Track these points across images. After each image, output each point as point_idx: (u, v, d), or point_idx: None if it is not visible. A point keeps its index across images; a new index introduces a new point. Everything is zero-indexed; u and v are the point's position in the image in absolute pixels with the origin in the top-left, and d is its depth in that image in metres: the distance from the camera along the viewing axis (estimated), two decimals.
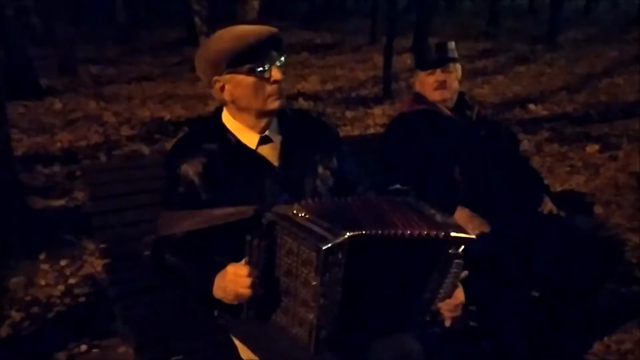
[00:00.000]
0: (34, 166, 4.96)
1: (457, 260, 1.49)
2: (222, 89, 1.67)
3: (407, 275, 1.49)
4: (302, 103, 7.21)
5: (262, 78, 1.64)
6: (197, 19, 7.64)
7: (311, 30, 14.67)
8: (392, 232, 1.41)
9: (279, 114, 1.76)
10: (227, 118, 1.75)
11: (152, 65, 9.78)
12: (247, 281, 1.44)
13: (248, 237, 1.42)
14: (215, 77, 1.66)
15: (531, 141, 5.62)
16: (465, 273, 1.56)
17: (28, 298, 3.08)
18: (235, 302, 1.51)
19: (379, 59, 8.49)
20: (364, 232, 1.38)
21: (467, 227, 2.19)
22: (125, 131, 6.05)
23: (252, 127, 1.72)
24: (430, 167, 2.42)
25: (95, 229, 2.14)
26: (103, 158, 5.16)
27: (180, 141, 1.83)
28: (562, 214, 2.53)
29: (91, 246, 3.39)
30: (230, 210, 1.60)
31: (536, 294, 2.41)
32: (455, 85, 2.55)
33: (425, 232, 1.43)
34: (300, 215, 1.42)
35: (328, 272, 1.36)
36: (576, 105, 7.14)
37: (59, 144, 5.65)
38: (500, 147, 2.55)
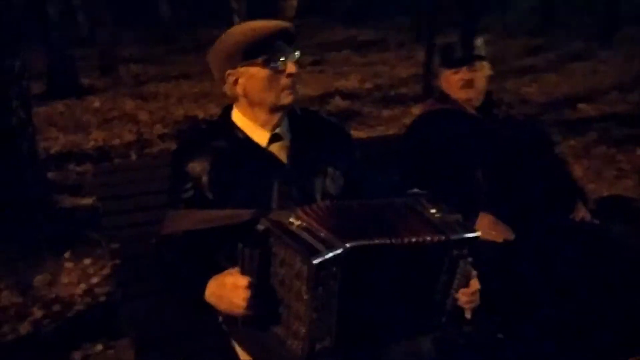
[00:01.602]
0: (67, 164, 5.08)
1: (463, 260, 1.45)
2: (236, 82, 1.66)
3: (414, 281, 1.44)
4: (338, 102, 7.17)
5: (277, 70, 1.62)
6: (235, 18, 7.71)
7: (355, 27, 14.61)
8: (393, 240, 1.36)
9: (289, 113, 1.74)
10: (237, 116, 1.73)
11: (191, 64, 9.91)
12: (245, 294, 1.39)
13: (240, 245, 1.37)
14: (229, 71, 1.64)
15: (578, 142, 5.42)
16: (474, 273, 1.52)
17: (51, 296, 3.14)
18: (227, 312, 1.47)
19: (422, 56, 8.33)
20: (362, 242, 1.32)
21: (490, 234, 2.16)
22: (158, 130, 6.15)
23: (263, 124, 1.69)
24: (451, 169, 2.31)
25: (105, 230, 2.15)
26: (134, 156, 5.24)
27: (187, 139, 1.86)
28: (596, 221, 2.39)
29: (115, 246, 3.43)
30: (229, 212, 1.58)
31: (567, 305, 2.27)
32: (482, 83, 2.44)
33: (428, 238, 1.39)
34: (296, 223, 1.36)
35: (321, 286, 1.30)
36: (628, 106, 6.83)
37: (92, 142, 5.79)
38: (529, 149, 2.42)
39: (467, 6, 9.09)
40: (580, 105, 6.80)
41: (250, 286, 1.39)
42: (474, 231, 1.46)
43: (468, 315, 1.54)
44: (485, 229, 2.17)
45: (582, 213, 2.37)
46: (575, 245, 2.18)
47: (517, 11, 17.78)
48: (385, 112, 6.69)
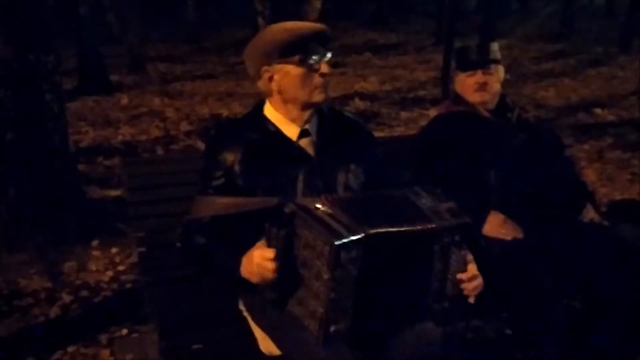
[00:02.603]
0: (96, 158, 5.21)
1: (455, 247, 1.51)
2: (271, 79, 1.74)
3: (412, 269, 1.52)
4: (357, 103, 7.22)
5: (311, 69, 1.70)
6: (260, 19, 7.81)
7: (377, 30, 14.63)
8: (402, 228, 1.45)
9: (317, 110, 1.82)
10: (269, 111, 1.81)
11: (217, 63, 10.03)
12: (273, 265, 1.47)
13: (267, 225, 1.46)
14: (265, 67, 1.73)
15: (593, 147, 5.40)
16: (470, 256, 1.57)
17: (79, 282, 3.26)
18: (260, 284, 1.55)
19: (441, 60, 8.36)
20: (381, 230, 1.41)
21: (499, 232, 2.23)
22: (184, 126, 6.27)
23: (294, 120, 1.78)
24: (464, 169, 2.37)
25: (132, 219, 2.23)
26: (160, 151, 5.35)
27: (221, 130, 1.92)
28: (605, 223, 2.43)
29: (140, 234, 3.54)
30: (256, 199, 1.67)
31: (577, 305, 2.33)
32: (496, 87, 2.49)
33: (417, 227, 1.47)
34: (322, 209, 1.45)
35: (341, 268, 1.38)
36: None
37: (121, 137, 5.92)
38: (540, 152, 2.47)
39: (487, 11, 9.13)
40: (597, 110, 6.79)
41: (277, 256, 1.46)
42: (463, 218, 1.51)
43: (472, 300, 1.60)
44: (495, 227, 2.23)
45: (591, 214, 2.40)
46: (584, 246, 2.21)
47: (537, 16, 17.64)
48: (404, 114, 6.74)
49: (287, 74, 1.71)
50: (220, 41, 12.42)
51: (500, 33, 11.81)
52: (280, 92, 1.75)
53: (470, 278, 1.59)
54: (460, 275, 1.57)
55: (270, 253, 1.47)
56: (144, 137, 5.90)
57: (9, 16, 3.41)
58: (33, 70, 3.49)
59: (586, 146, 5.37)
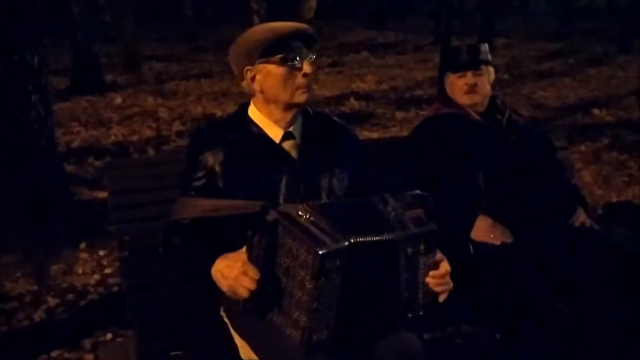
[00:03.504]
0: (87, 158, 5.18)
1: (422, 256, 1.49)
2: (253, 79, 1.73)
3: (384, 279, 1.50)
4: (353, 103, 7.20)
5: (293, 69, 1.69)
6: (255, 18, 7.80)
7: (375, 29, 14.63)
8: (374, 238, 1.43)
9: (303, 113, 1.81)
10: (253, 111, 1.80)
11: (213, 62, 10.05)
12: (249, 284, 1.43)
13: (249, 233, 1.43)
14: (248, 67, 1.72)
15: (589, 148, 5.38)
16: (440, 255, 1.55)
17: (65, 285, 3.23)
18: (228, 293, 1.49)
19: (438, 59, 8.35)
20: (364, 239, 1.40)
21: (487, 237, 2.20)
22: (177, 127, 6.25)
23: (277, 121, 1.76)
24: (453, 173, 2.34)
25: (114, 222, 2.19)
26: (151, 152, 5.33)
27: (203, 130, 1.92)
28: (596, 226, 2.40)
29: (126, 238, 3.50)
30: (238, 202, 1.63)
31: (567, 309, 2.30)
32: (486, 88, 2.46)
33: (380, 238, 1.44)
34: (304, 217, 1.42)
35: (324, 277, 1.36)
36: None
37: (113, 138, 5.90)
38: (530, 155, 2.45)
39: (486, 10, 9.11)
40: (595, 111, 6.77)
41: (256, 274, 1.41)
42: (428, 226, 1.47)
43: (441, 299, 1.56)
44: (483, 231, 2.21)
45: (582, 218, 2.38)
46: (573, 250, 2.19)
47: (537, 15, 17.65)
48: (399, 114, 6.73)
49: (269, 73, 1.70)
50: (217, 40, 12.39)
51: (500, 32, 11.82)
52: (262, 92, 1.74)
53: (439, 276, 1.55)
54: (432, 273, 1.53)
55: (253, 272, 1.42)
56: (135, 138, 5.87)
57: None
58: (19, 70, 3.45)
59: (582, 147, 5.35)
